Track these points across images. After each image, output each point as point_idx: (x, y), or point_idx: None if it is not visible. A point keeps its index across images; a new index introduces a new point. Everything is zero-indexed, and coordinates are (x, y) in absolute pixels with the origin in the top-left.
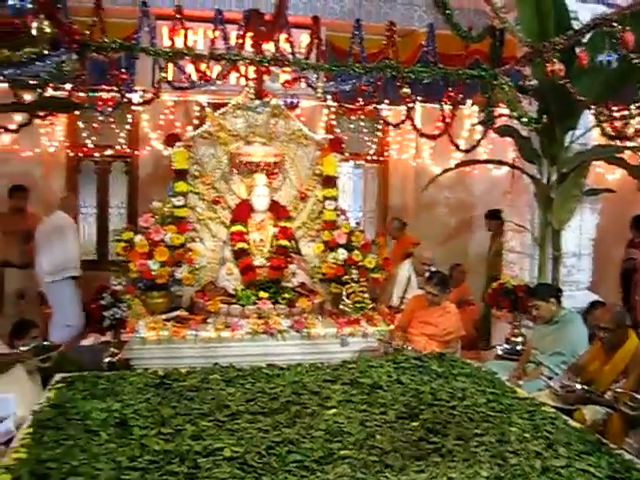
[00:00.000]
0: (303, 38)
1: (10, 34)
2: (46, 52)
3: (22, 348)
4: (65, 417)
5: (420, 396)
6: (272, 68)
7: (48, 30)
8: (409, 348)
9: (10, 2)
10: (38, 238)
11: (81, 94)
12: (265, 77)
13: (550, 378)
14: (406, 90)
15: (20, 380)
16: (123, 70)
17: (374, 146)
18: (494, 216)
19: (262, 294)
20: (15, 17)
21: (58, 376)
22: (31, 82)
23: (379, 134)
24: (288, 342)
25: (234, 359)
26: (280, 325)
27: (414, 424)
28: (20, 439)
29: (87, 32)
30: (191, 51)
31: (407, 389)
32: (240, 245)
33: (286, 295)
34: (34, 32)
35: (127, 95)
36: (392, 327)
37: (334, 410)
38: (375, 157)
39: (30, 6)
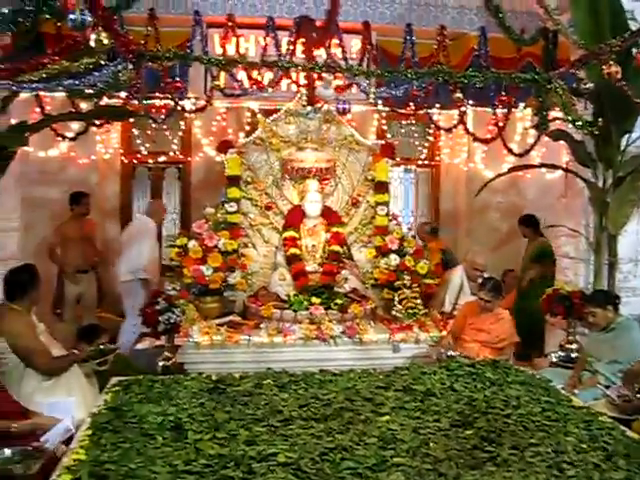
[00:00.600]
0: (354, 43)
1: (70, 47)
2: (103, 62)
3: (75, 351)
4: (122, 420)
5: (474, 404)
6: (324, 75)
7: (106, 41)
8: (462, 355)
9: (71, 16)
10: (122, 240)
11: (135, 102)
12: (318, 83)
13: (607, 387)
14: (459, 95)
15: (78, 382)
16: (177, 78)
17: (425, 150)
18: (528, 222)
19: (314, 300)
20: (76, 30)
21: (114, 379)
22: (88, 91)
23: (430, 138)
24: (340, 348)
25: (286, 364)
26: (332, 331)
27: (468, 432)
28: (79, 440)
29: (142, 41)
30: (244, 59)
31: (460, 396)
32: (292, 251)
33: (338, 301)
34: (92, 44)
35: (180, 102)
36: (444, 333)
37: (387, 417)
38: (426, 161)
39: (90, 19)
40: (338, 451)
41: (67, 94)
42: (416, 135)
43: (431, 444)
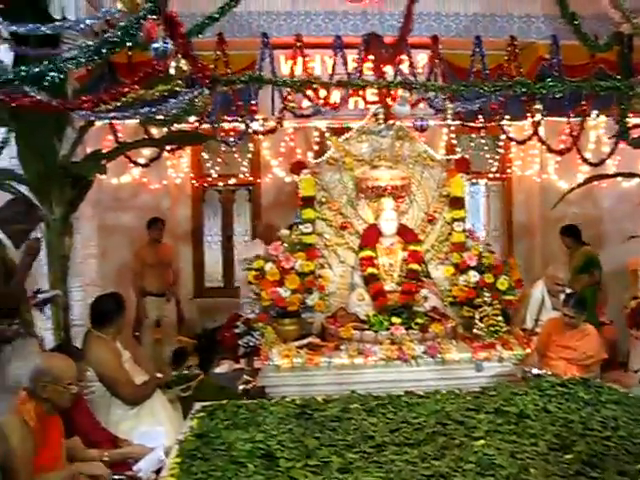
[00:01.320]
0: (420, 58)
1: (149, 75)
2: (178, 89)
3: (158, 375)
4: (210, 447)
5: (570, 425)
6: (400, 92)
7: (185, 68)
8: (548, 373)
9: (154, 45)
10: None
11: (206, 126)
12: (392, 100)
13: None
14: (538, 106)
15: (163, 409)
16: (253, 102)
17: (496, 163)
18: (569, 232)
19: (395, 319)
20: (158, 59)
21: (198, 405)
22: (160, 118)
23: (501, 151)
24: (422, 368)
25: (367, 386)
26: (414, 351)
27: (568, 456)
28: (169, 468)
29: (212, 66)
30: (317, 79)
31: (555, 418)
32: (370, 270)
33: (419, 320)
34: (172, 71)
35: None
36: (528, 351)
37: (482, 441)
38: (497, 174)
39: (171, 47)
40: (436, 478)
41: (142, 121)
42: (486, 148)
43: (531, 470)
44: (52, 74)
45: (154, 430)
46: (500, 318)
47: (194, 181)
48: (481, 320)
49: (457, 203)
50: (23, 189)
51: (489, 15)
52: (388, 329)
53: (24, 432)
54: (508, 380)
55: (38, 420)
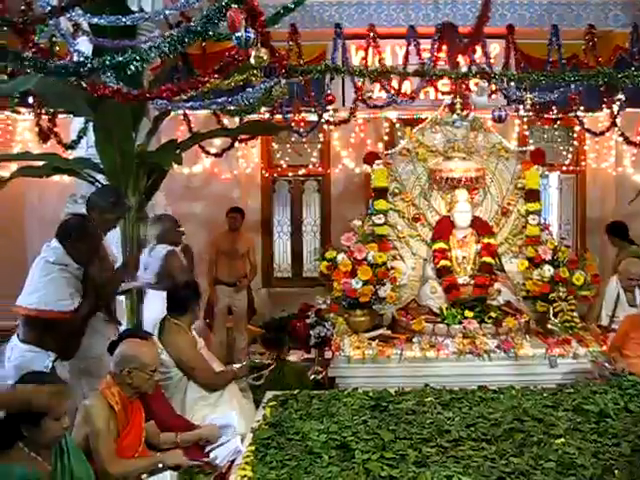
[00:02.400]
0: (493, 48)
1: (230, 65)
2: (254, 79)
3: (235, 366)
4: (285, 437)
5: None
6: (480, 82)
7: (265, 57)
8: (626, 371)
9: (237, 35)
10: None
11: (278, 116)
12: (466, 90)
13: None
14: (620, 96)
15: (236, 397)
16: (329, 92)
17: (570, 155)
18: (615, 230)
19: (468, 313)
20: (240, 49)
21: (270, 394)
22: (236, 108)
23: (575, 143)
24: (494, 363)
25: (439, 379)
26: (486, 345)
27: None
28: (244, 457)
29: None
30: (394, 69)
31: (638, 418)
32: (443, 263)
33: (492, 314)
34: (252, 61)
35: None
36: (605, 348)
37: (562, 440)
38: (571, 167)
39: (253, 37)
40: (516, 476)
41: (218, 111)
42: (559, 140)
43: (615, 471)
44: (135, 64)
45: (227, 414)
46: (575, 314)
47: (264, 171)
48: (555, 315)
49: (532, 195)
50: (100, 178)
51: (565, 3)
52: (461, 322)
53: (108, 415)
54: (585, 378)
55: (121, 404)
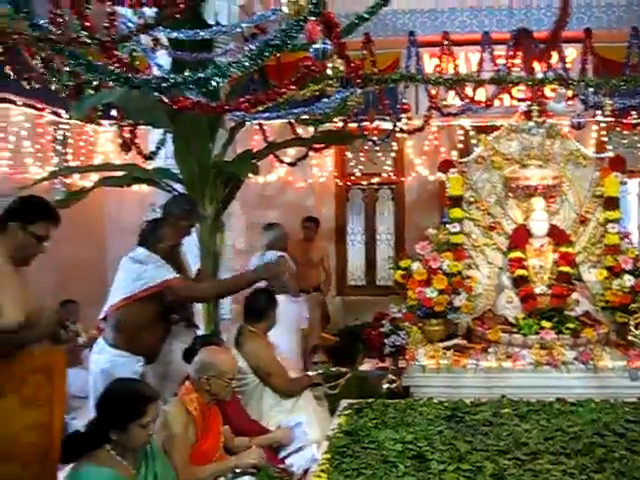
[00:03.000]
0: (569, 52)
1: (306, 76)
2: (329, 89)
3: (310, 373)
4: (360, 445)
5: None
6: (557, 89)
7: (342, 68)
8: None
9: (315, 46)
10: None
11: (352, 124)
12: (541, 97)
13: None
14: None
15: (311, 404)
16: (404, 101)
17: None
18: None
19: (545, 323)
20: (317, 60)
21: (345, 402)
22: (310, 118)
23: None
24: (572, 375)
25: (514, 390)
26: (564, 356)
27: None
28: (319, 464)
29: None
30: (470, 77)
31: None
32: (519, 272)
33: (570, 325)
34: (329, 72)
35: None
36: None
37: None
38: None
39: (330, 48)
40: None
41: (295, 120)
42: (639, 145)
43: None
44: (216, 79)
45: (295, 418)
46: None
47: (338, 180)
48: (636, 327)
49: (611, 203)
50: (178, 187)
51: None
52: (538, 333)
53: (186, 420)
54: None
55: (200, 410)
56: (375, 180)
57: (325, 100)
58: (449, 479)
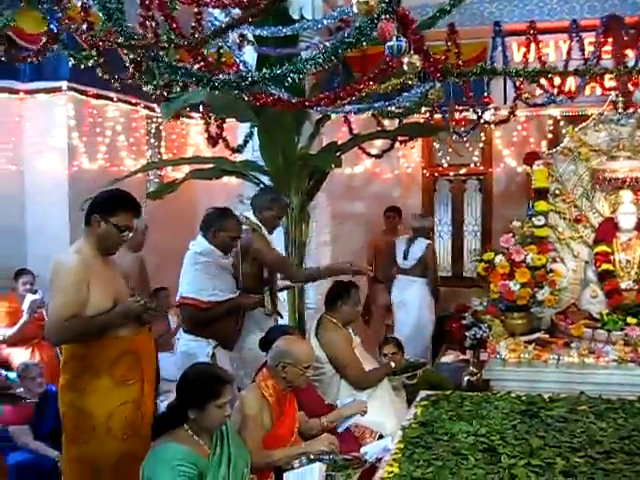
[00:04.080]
0: None
1: (384, 70)
2: (410, 83)
3: (392, 364)
4: (433, 436)
5: None
6: None
7: (418, 64)
8: None
9: (389, 44)
10: None
11: (438, 116)
12: (633, 86)
13: None
14: None
15: (388, 395)
16: (485, 93)
17: None
18: None
19: (630, 320)
20: (392, 57)
21: (423, 393)
22: (392, 110)
23: None
24: None
25: (597, 387)
26: None
27: None
28: (392, 453)
29: (443, 57)
30: (551, 68)
31: None
32: (605, 267)
33: None
34: (405, 67)
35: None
36: None
37: None
38: None
39: (405, 45)
40: None
41: (376, 114)
42: None
43: None
44: (293, 75)
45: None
46: None
47: (425, 171)
48: None
49: None
50: (265, 179)
51: None
52: (622, 329)
53: (261, 406)
54: None
55: (276, 396)
56: (463, 171)
57: (405, 94)
58: (518, 474)
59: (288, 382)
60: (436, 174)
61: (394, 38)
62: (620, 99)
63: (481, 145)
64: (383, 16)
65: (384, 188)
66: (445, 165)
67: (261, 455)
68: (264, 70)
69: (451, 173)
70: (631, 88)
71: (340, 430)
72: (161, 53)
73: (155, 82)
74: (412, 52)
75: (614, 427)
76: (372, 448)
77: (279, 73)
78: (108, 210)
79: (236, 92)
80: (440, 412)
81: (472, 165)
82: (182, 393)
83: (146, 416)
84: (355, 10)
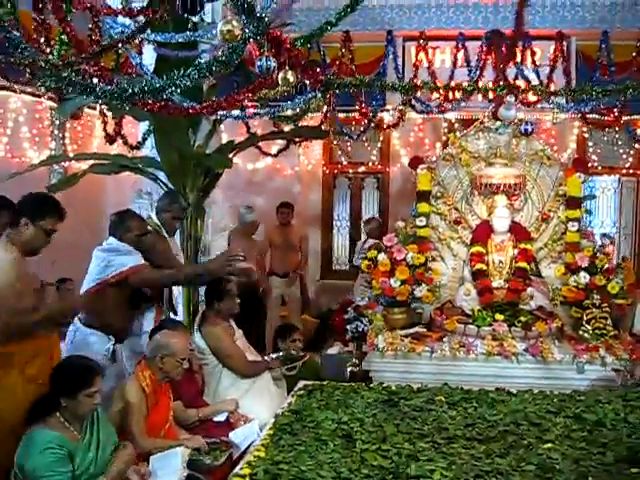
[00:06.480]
0: (552, 49)
1: (261, 84)
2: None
3: (272, 355)
4: (301, 424)
5: None
6: (507, 98)
7: (292, 79)
8: None
9: (259, 63)
10: None
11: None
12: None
13: None
14: None
15: (267, 386)
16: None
17: (630, 159)
18: None
19: (498, 316)
20: (264, 75)
21: (301, 384)
22: (285, 115)
23: (637, 145)
24: (522, 366)
25: (467, 379)
26: (515, 348)
27: (634, 470)
28: (262, 439)
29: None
30: (427, 84)
31: (634, 430)
32: (479, 266)
33: (522, 318)
34: (280, 82)
35: (378, 115)
36: (634, 357)
37: (550, 445)
38: (632, 170)
39: (274, 64)
40: (493, 475)
41: (270, 117)
42: (620, 143)
43: (590, 478)
44: (171, 91)
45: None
46: (608, 321)
47: (325, 168)
48: (588, 322)
49: (573, 203)
50: (162, 176)
51: (629, 4)
52: (491, 325)
53: (140, 394)
54: (606, 387)
55: (152, 386)
56: (361, 169)
57: (289, 102)
58: (368, 458)
59: (165, 373)
60: (336, 171)
61: (263, 58)
62: (487, 114)
63: (379, 145)
64: (250, 41)
65: (285, 184)
66: (345, 163)
67: (146, 442)
68: (143, 84)
69: (350, 171)
70: (511, 99)
71: (217, 419)
72: (50, 58)
73: (48, 84)
74: (287, 68)
75: (462, 415)
76: (240, 432)
77: (158, 86)
78: (38, 214)
79: (117, 102)
80: (312, 401)
81: (370, 164)
82: (55, 382)
83: None
84: (219, 37)
